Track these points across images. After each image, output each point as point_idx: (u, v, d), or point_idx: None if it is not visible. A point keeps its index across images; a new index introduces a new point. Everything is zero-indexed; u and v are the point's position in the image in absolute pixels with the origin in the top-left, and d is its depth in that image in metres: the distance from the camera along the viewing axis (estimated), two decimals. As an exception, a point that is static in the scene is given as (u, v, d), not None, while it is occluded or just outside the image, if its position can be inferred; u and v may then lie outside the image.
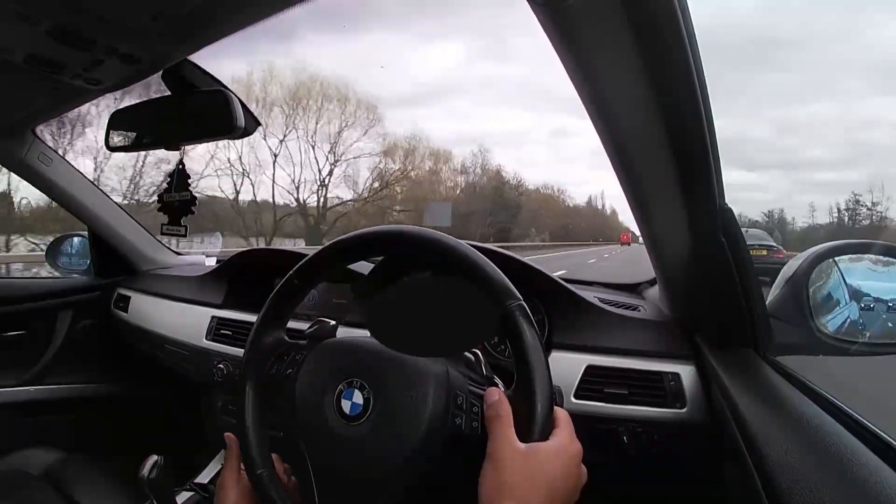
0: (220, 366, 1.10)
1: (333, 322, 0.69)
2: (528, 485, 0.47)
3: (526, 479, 0.47)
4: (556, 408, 0.52)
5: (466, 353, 0.63)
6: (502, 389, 0.54)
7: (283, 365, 0.64)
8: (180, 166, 0.76)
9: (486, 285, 0.55)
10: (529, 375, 0.52)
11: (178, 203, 0.76)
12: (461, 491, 0.54)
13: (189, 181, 0.77)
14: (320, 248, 0.67)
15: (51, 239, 1.60)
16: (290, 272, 0.66)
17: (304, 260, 0.66)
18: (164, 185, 0.79)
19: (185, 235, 0.78)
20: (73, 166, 1.30)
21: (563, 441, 0.50)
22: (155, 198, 0.79)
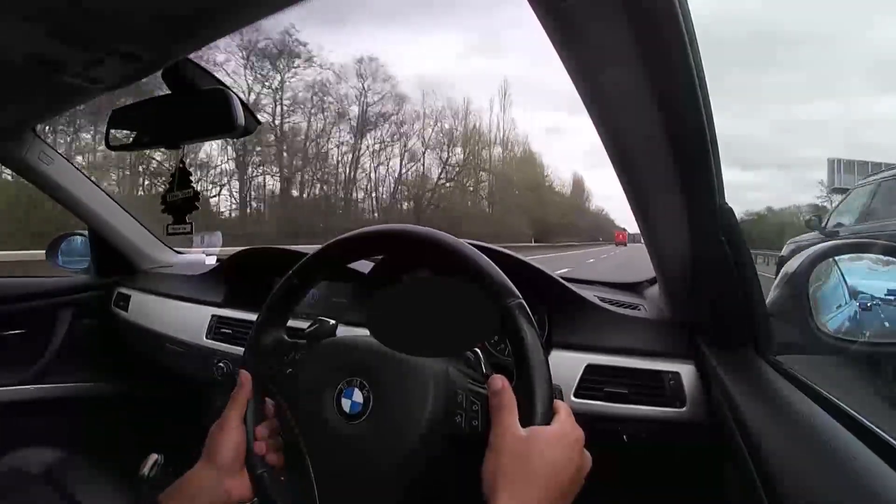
0: (221, 364, 1.10)
1: (333, 321, 0.69)
2: (528, 469, 0.47)
3: (526, 464, 0.47)
4: (556, 400, 0.53)
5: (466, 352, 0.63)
6: None
7: (284, 364, 0.64)
8: (181, 164, 0.76)
9: (486, 284, 0.55)
10: (529, 369, 0.52)
11: (181, 201, 0.76)
12: (460, 489, 0.54)
13: (191, 178, 0.76)
14: (320, 246, 0.67)
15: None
16: (290, 271, 0.66)
17: (304, 259, 0.66)
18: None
19: (190, 233, 0.77)
20: (73, 165, 1.30)
21: (564, 426, 0.51)
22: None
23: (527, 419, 0.50)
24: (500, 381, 0.52)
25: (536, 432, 0.49)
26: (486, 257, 0.57)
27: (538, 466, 0.47)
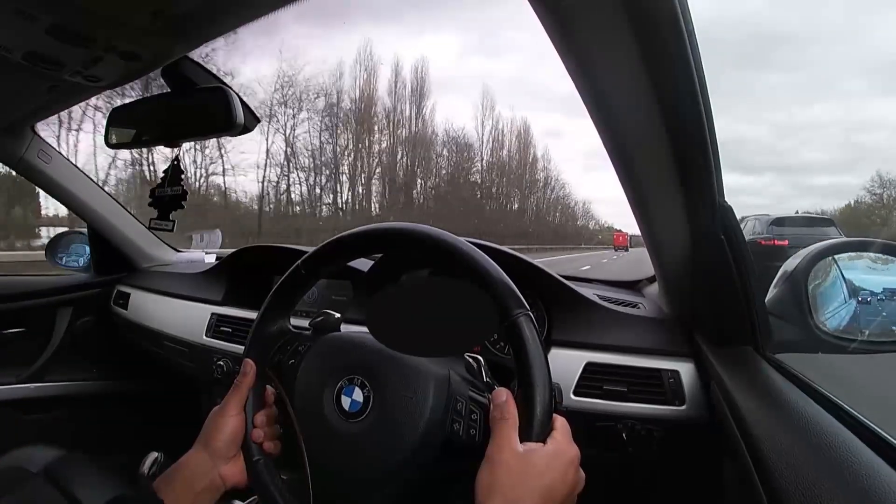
0: (220, 362, 1.10)
1: (338, 315, 0.69)
2: (521, 485, 0.47)
3: (519, 479, 0.47)
4: (553, 415, 0.52)
5: (468, 357, 0.62)
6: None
7: (286, 355, 0.64)
8: (175, 161, 0.76)
9: (492, 290, 0.54)
10: (530, 382, 0.51)
11: (168, 198, 0.76)
12: (452, 497, 0.54)
13: (182, 176, 0.76)
14: (326, 241, 0.67)
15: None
16: (298, 262, 0.66)
17: (310, 252, 0.66)
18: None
19: (171, 230, 0.77)
20: (72, 163, 1.30)
21: (560, 444, 0.50)
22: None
23: (524, 434, 0.50)
24: (504, 393, 0.52)
25: (534, 449, 0.49)
26: (490, 260, 0.57)
27: (533, 484, 0.47)
